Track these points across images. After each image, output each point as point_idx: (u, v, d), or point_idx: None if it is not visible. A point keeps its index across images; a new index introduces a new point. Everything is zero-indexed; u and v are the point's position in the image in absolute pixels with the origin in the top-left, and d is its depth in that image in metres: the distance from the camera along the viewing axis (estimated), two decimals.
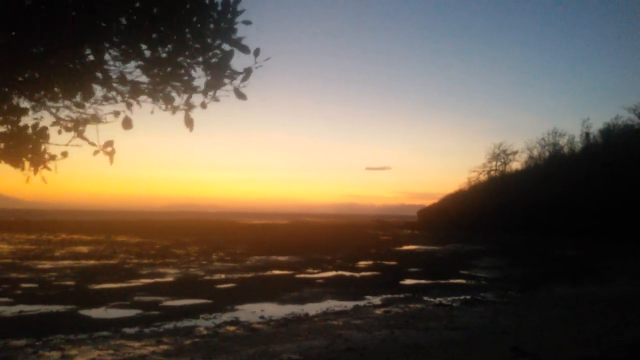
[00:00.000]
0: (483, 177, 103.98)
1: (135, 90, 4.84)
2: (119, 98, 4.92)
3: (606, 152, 71.21)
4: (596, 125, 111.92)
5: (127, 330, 14.39)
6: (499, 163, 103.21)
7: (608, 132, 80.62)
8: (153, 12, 4.41)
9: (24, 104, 4.83)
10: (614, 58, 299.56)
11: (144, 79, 4.83)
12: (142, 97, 4.89)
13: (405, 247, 53.10)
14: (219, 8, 4.56)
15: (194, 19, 4.53)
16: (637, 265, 34.47)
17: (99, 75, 4.69)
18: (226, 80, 4.83)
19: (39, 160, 4.84)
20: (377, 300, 19.99)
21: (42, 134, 4.82)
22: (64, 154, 5.03)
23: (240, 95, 4.89)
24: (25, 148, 4.76)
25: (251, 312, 17.33)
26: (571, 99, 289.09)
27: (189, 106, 4.94)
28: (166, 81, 4.80)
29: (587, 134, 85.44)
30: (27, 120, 4.84)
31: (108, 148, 4.97)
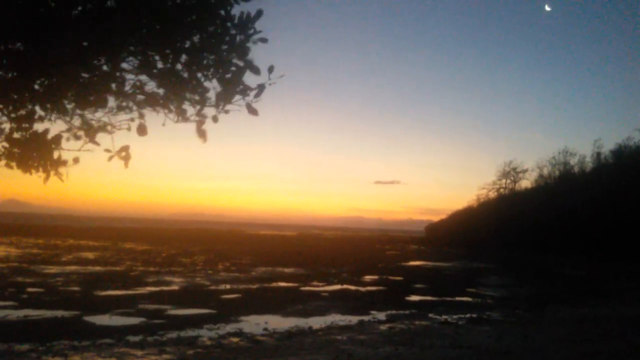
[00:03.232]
0: (492, 195, 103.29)
1: (149, 101, 4.87)
2: (133, 107, 4.95)
3: (617, 173, 70.71)
4: (607, 146, 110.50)
5: (131, 338, 14.36)
6: (508, 181, 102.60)
7: (619, 153, 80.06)
8: (169, 25, 4.44)
9: (39, 111, 4.87)
10: (627, 79, 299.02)
11: (157, 89, 4.86)
12: (156, 108, 4.92)
13: (412, 263, 52.80)
14: (235, 22, 4.60)
15: (210, 32, 4.57)
16: None
17: (114, 86, 4.72)
18: (238, 95, 4.86)
19: (51, 166, 4.87)
20: (382, 315, 19.85)
21: (55, 141, 4.85)
22: (76, 160, 5.06)
23: (252, 111, 4.91)
24: (38, 154, 4.79)
25: (255, 323, 17.25)
26: (583, 119, 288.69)
27: (202, 118, 4.95)
28: (179, 93, 4.83)
29: (599, 154, 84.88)
30: (40, 126, 4.88)
31: (123, 153, 5.01)
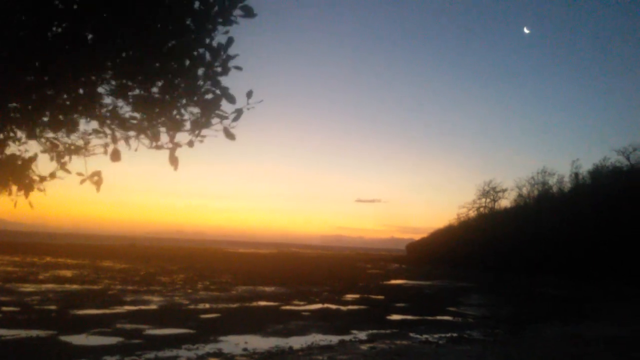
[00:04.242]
0: (472, 214, 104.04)
1: (124, 126, 4.85)
2: (107, 132, 4.92)
3: (595, 193, 71.68)
4: (585, 166, 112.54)
5: (108, 358, 14.13)
6: (488, 200, 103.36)
7: (597, 173, 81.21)
8: (146, 51, 4.43)
9: (15, 133, 4.82)
10: (604, 101, 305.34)
11: (133, 115, 4.84)
12: (130, 133, 4.89)
13: (393, 282, 52.80)
14: (209, 55, 4.61)
15: (185, 62, 4.57)
16: (626, 307, 34.41)
17: (89, 109, 4.70)
18: (215, 120, 4.86)
19: (29, 185, 4.81)
20: (363, 335, 19.75)
21: (28, 165, 4.80)
22: (52, 175, 5.01)
23: (230, 136, 4.90)
24: (12, 176, 4.73)
25: (235, 343, 17.05)
26: (561, 140, 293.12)
27: (174, 145, 4.93)
28: (155, 119, 4.81)
29: (577, 174, 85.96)
30: (13, 149, 4.82)
31: (95, 177, 4.96)
